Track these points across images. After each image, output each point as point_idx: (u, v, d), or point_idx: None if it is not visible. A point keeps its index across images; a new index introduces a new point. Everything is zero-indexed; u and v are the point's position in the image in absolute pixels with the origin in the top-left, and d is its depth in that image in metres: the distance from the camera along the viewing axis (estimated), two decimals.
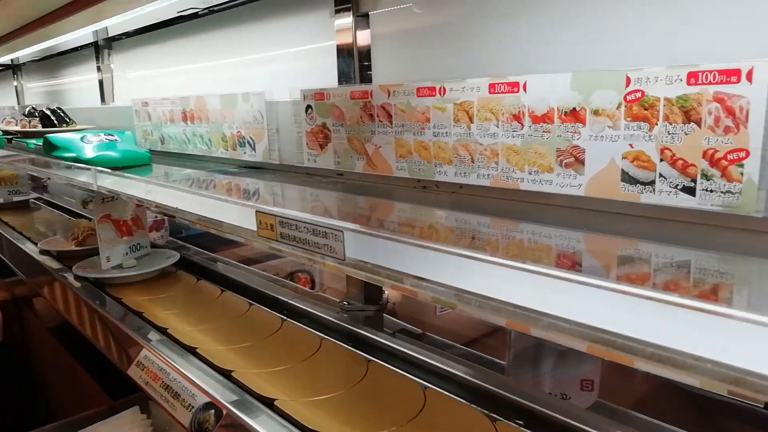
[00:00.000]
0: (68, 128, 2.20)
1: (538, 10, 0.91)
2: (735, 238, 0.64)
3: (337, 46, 1.27)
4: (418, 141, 0.98)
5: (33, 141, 2.03)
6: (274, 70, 1.56)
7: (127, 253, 1.66)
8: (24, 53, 3.01)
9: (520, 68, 0.93)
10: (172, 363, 1.09)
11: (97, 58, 2.47)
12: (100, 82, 2.49)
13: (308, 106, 1.21)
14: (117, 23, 1.89)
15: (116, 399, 1.28)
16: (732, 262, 0.57)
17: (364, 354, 1.14)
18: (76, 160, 1.44)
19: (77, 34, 2.36)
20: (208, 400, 0.97)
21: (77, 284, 1.58)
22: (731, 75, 0.61)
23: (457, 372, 1.02)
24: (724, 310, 0.37)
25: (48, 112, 2.25)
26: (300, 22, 1.43)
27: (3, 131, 2.42)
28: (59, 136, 1.59)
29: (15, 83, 3.67)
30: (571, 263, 0.59)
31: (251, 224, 0.75)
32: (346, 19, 1.24)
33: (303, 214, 0.68)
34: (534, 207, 0.83)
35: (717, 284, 0.50)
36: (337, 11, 1.26)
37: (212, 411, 0.94)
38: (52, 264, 1.77)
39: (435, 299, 0.54)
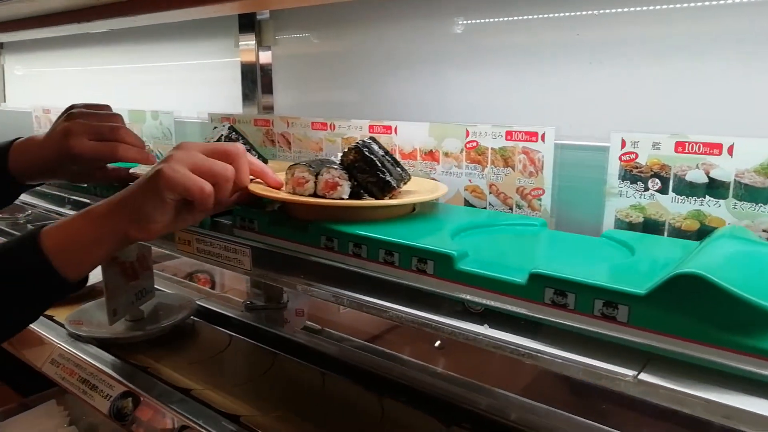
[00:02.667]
0: None
1: (408, 65, 1.13)
2: None
3: (242, 71, 1.43)
4: None
5: None
6: (175, 87, 1.68)
7: (133, 303, 1.34)
8: None
9: (391, 113, 1.15)
10: (87, 360, 1.20)
11: None
12: None
13: (215, 128, 1.35)
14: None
15: (26, 396, 1.35)
16: None
17: (270, 348, 1.31)
18: None
19: None
20: (125, 389, 1.10)
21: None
22: (532, 136, 0.86)
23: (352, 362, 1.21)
24: None
25: None
26: (206, 47, 1.57)
27: None
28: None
29: None
30: None
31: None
32: (250, 48, 1.40)
33: (215, 232, 0.85)
34: None
35: None
36: (242, 41, 1.41)
37: (130, 398, 1.07)
38: None
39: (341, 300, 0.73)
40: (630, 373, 0.50)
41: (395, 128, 1.03)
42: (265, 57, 1.41)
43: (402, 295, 0.65)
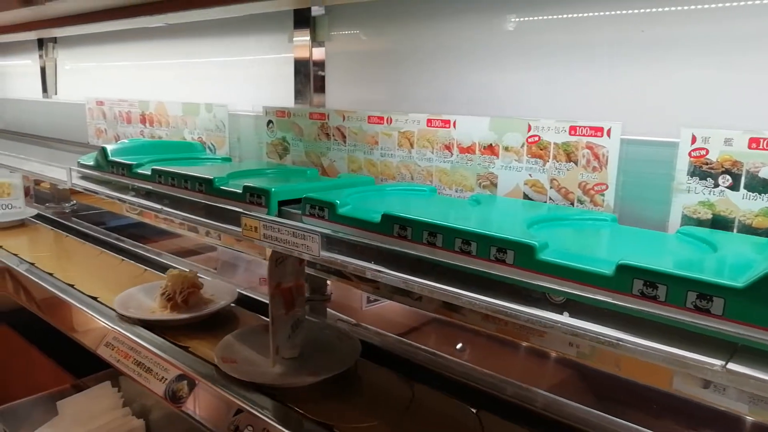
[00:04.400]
0: None
1: (468, 60, 1.14)
2: None
3: (295, 66, 1.45)
4: (367, 159, 1.19)
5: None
6: (230, 81, 1.71)
7: (289, 336, 1.11)
8: None
9: (448, 107, 1.16)
10: (142, 344, 1.23)
11: (40, 47, 2.48)
12: (42, 71, 2.50)
13: (270, 121, 1.38)
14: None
15: (80, 377, 1.39)
16: None
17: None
18: None
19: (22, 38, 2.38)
20: (179, 372, 1.12)
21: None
22: (597, 131, 0.87)
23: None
24: None
25: None
26: (260, 42, 1.60)
27: None
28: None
29: None
30: None
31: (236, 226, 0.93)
32: (305, 44, 1.42)
33: (283, 219, 0.87)
34: None
35: None
36: (296, 36, 1.44)
37: (185, 381, 1.10)
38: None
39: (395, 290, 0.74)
40: (718, 362, 0.50)
41: (454, 122, 1.04)
42: (318, 52, 1.43)
43: (477, 284, 0.66)
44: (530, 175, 0.95)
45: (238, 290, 1.45)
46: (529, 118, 0.94)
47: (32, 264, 1.67)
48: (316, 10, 1.41)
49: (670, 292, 0.52)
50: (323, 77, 1.44)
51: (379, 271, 0.75)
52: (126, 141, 1.58)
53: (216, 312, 1.32)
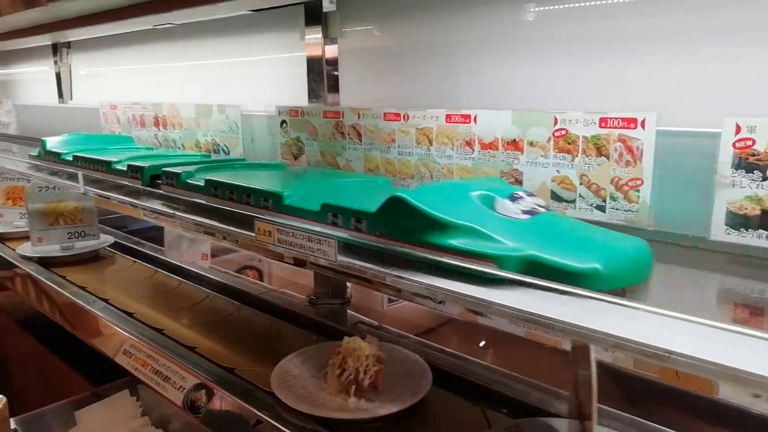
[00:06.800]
0: None
1: (487, 52, 1.09)
2: None
3: (307, 64, 1.41)
4: (384, 158, 1.14)
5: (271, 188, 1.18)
6: (242, 81, 1.68)
7: None
8: None
9: (468, 101, 1.11)
10: (160, 351, 1.21)
11: (54, 53, 2.49)
12: (58, 76, 2.50)
13: (283, 121, 1.35)
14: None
15: (98, 386, 1.38)
16: None
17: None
18: (538, 269, 0.64)
19: (36, 44, 2.38)
20: (198, 381, 1.10)
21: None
22: (630, 122, 0.81)
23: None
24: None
25: None
26: (272, 41, 1.56)
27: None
28: (424, 194, 0.75)
29: None
30: None
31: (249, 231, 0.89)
32: (317, 41, 1.38)
33: (297, 223, 0.83)
34: None
35: None
36: (308, 33, 1.40)
37: (203, 391, 1.07)
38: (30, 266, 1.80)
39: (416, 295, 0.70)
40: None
41: (474, 117, 0.99)
42: (331, 50, 1.39)
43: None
44: (558, 171, 0.90)
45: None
46: (555, 111, 0.89)
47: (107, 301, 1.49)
48: (328, 6, 1.37)
49: (343, 219, 0.79)
50: (336, 75, 1.40)
51: (399, 277, 0.70)
52: (65, 135, 1.74)
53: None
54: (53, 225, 1.77)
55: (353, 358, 0.97)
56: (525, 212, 0.71)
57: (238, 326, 1.38)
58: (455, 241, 0.66)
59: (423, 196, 0.72)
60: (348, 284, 1.50)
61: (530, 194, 0.77)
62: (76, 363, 1.54)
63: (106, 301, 1.47)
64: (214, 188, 1.04)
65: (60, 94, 2.50)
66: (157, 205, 1.14)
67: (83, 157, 1.45)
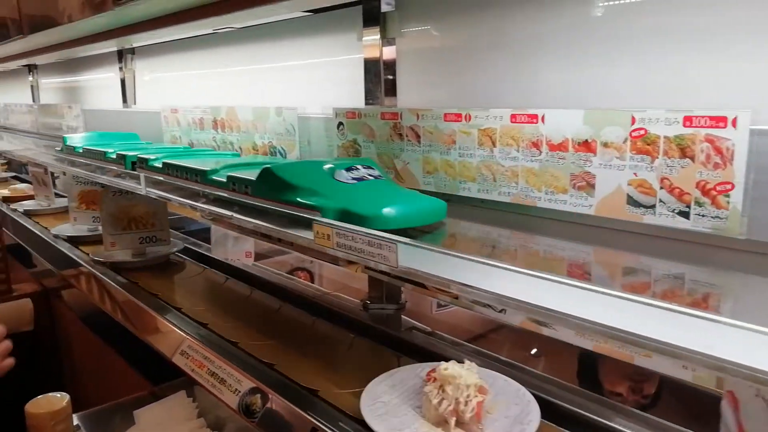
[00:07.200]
0: None
1: (553, 48, 1.03)
2: (722, 255, 0.77)
3: (365, 65, 1.39)
4: (444, 160, 1.10)
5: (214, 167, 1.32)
6: (298, 84, 1.68)
7: None
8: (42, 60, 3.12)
9: (533, 101, 1.05)
10: (215, 352, 1.21)
11: (120, 60, 2.58)
12: (122, 82, 2.59)
13: (340, 123, 1.33)
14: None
15: (156, 385, 1.39)
16: (719, 276, 0.70)
17: (391, 350, 1.26)
18: (342, 216, 0.86)
19: (103, 50, 2.47)
20: (253, 385, 1.08)
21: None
22: (719, 121, 0.74)
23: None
24: (711, 315, 0.49)
25: None
26: (329, 43, 1.55)
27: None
28: (291, 168, 1.02)
29: (30, 80, 3.76)
30: (586, 273, 0.72)
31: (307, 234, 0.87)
32: (374, 42, 1.36)
33: (357, 227, 0.80)
34: (549, 222, 0.95)
35: (706, 294, 0.63)
36: (365, 34, 1.37)
37: (258, 395, 1.06)
38: (84, 257, 1.87)
39: (475, 302, 0.66)
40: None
41: (542, 117, 0.93)
42: (389, 50, 1.36)
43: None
44: (635, 174, 0.83)
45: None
46: (632, 109, 0.82)
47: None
48: (386, 7, 1.34)
49: (238, 186, 1.03)
50: (394, 76, 1.37)
51: (466, 286, 0.66)
52: (84, 133, 2.21)
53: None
54: (126, 230, 1.81)
55: (453, 387, 0.88)
56: (354, 179, 0.97)
57: (293, 330, 1.37)
58: (301, 198, 0.93)
59: (286, 168, 1.01)
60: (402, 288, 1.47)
61: (368, 167, 1.01)
62: (134, 361, 1.56)
63: (178, 309, 1.46)
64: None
65: (124, 99, 2.59)
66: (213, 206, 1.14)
67: (86, 148, 1.77)
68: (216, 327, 1.33)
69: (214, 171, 1.15)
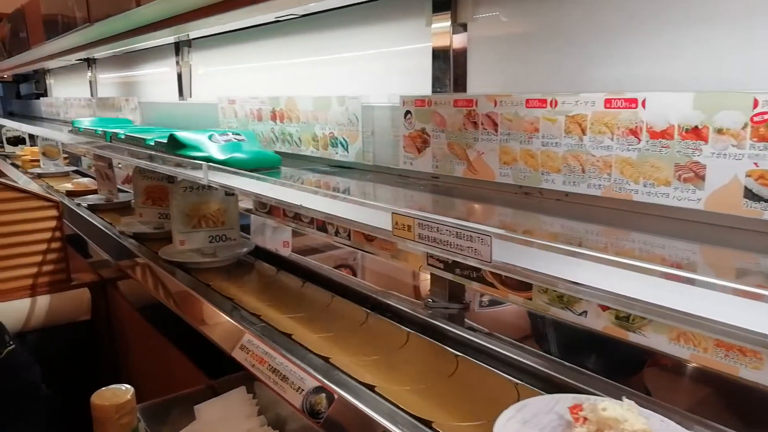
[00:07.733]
0: None
1: (655, 26, 0.94)
2: None
3: (433, 52, 1.32)
4: (524, 149, 1.03)
5: (151, 137, 1.82)
6: (362, 73, 1.62)
7: None
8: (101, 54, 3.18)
9: (627, 84, 0.96)
10: (276, 347, 1.17)
11: (177, 53, 2.59)
12: (179, 76, 2.60)
13: (407, 112, 1.27)
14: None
15: (212, 378, 1.37)
16: None
17: (451, 350, 1.19)
18: (208, 160, 1.38)
19: (161, 42, 2.48)
20: (317, 384, 1.04)
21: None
22: None
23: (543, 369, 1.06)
24: None
25: None
26: (396, 29, 1.49)
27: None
28: (187, 135, 1.52)
29: (89, 75, 3.85)
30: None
31: (386, 224, 0.81)
32: (444, 28, 1.29)
33: (444, 217, 0.74)
34: (647, 218, 0.87)
35: None
36: (435, 20, 1.31)
37: (324, 394, 1.01)
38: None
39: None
40: None
41: (643, 101, 0.85)
42: (459, 37, 1.29)
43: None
44: (756, 164, 0.74)
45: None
46: (755, 91, 0.73)
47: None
48: None
49: (157, 147, 1.71)
50: (465, 63, 1.30)
51: (576, 283, 0.59)
52: (90, 118, 2.82)
53: None
54: (196, 228, 1.78)
55: (598, 421, 0.76)
56: (224, 140, 1.49)
57: (354, 330, 1.32)
58: (192, 153, 1.47)
59: (184, 134, 1.54)
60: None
61: (237, 134, 1.55)
62: (192, 354, 1.55)
63: (252, 313, 1.40)
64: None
65: (180, 92, 2.60)
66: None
67: (84, 127, 2.54)
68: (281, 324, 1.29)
69: (151, 139, 1.76)
